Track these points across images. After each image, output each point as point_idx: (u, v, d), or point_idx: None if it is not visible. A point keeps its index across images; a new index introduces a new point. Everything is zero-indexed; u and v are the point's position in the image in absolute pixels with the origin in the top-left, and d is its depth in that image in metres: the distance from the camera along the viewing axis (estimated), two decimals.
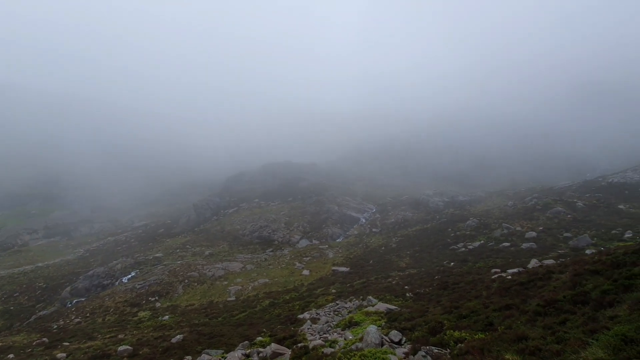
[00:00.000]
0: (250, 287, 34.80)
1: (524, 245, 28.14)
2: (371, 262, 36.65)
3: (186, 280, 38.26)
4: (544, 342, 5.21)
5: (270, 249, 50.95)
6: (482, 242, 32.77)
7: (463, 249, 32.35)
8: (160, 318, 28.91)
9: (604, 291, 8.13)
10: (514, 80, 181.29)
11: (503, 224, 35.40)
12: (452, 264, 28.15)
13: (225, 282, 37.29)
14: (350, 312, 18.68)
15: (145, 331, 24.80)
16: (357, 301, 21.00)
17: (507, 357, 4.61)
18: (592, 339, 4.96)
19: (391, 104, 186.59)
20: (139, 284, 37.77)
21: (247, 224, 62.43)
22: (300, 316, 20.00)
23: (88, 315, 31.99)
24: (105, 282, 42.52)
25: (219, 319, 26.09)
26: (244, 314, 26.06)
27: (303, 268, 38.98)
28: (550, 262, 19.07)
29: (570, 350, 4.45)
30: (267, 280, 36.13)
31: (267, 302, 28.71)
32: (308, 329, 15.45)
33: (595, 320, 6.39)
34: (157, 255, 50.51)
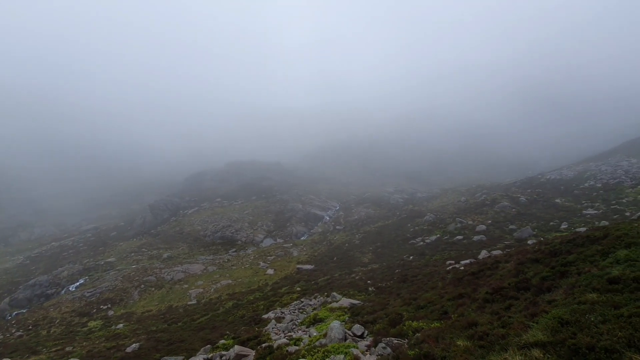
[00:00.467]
0: (212, 289, 33.77)
1: (475, 238, 30.19)
2: (335, 258, 37.21)
3: (142, 286, 36.22)
4: (491, 327, 5.69)
5: (234, 249, 49.80)
6: (438, 235, 34.62)
7: (421, 243, 33.95)
8: (113, 327, 27.12)
9: (543, 277, 9.00)
10: (467, 83, 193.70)
11: (457, 218, 37.67)
12: (411, 257, 29.44)
13: (186, 286, 35.84)
14: (314, 309, 18.85)
15: (97, 342, 23.13)
16: (321, 298, 21.23)
17: (458, 343, 4.97)
18: (533, 322, 5.48)
19: (353, 104, 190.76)
20: (88, 292, 35.09)
21: (208, 224, 60.41)
22: (265, 316, 19.82)
23: (30, 327, 29.16)
24: (49, 292, 38.95)
25: (179, 324, 25.06)
26: (205, 318, 25.25)
27: (267, 267, 38.59)
28: (497, 252, 20.68)
29: (513, 334, 4.90)
30: (231, 281, 35.30)
31: (230, 303, 28.08)
32: (273, 328, 15.36)
33: (536, 305, 7.06)
34: (109, 260, 47.22)
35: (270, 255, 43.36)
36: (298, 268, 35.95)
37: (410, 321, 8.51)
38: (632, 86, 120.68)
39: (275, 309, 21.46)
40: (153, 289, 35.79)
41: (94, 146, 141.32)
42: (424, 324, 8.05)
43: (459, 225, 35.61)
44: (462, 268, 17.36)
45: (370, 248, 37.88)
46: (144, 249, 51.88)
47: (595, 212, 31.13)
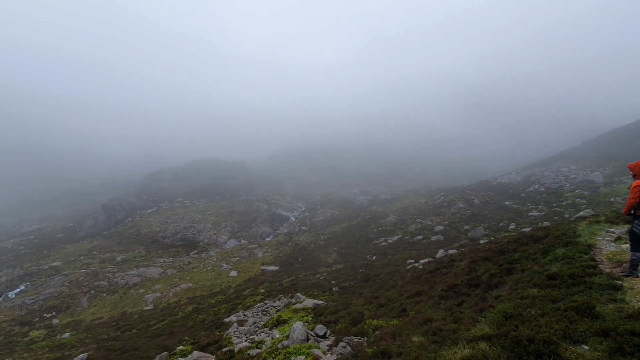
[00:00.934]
0: (171, 294, 32.29)
1: (434, 238, 31.70)
2: (300, 259, 37.19)
3: (93, 291, 33.74)
4: (444, 322, 6.03)
5: (195, 251, 47.99)
6: (400, 236, 35.88)
7: (384, 243, 34.98)
8: (58, 337, 24.96)
9: (492, 275, 9.67)
10: (423, 90, 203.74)
11: (417, 219, 39.30)
12: (374, 257, 30.22)
13: (142, 290, 33.93)
14: (278, 310, 18.70)
15: (39, 353, 21.19)
16: (285, 299, 21.11)
17: (414, 339, 5.22)
18: (481, 316, 5.88)
19: (317, 105, 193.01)
20: (30, 299, 32.03)
21: (168, 225, 57.70)
22: (227, 319, 19.32)
23: None
24: None
25: (134, 331, 23.66)
26: (163, 323, 24.08)
27: (231, 269, 37.65)
28: (453, 251, 21.87)
29: (463, 328, 5.24)
30: (191, 285, 33.97)
31: (190, 307, 27.01)
32: (234, 332, 15.02)
33: (485, 300, 7.58)
34: (54, 264, 43.40)
35: (234, 257, 42.36)
36: (263, 269, 35.48)
37: (371, 319, 8.76)
38: (571, 98, 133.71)
39: (238, 311, 20.99)
40: (105, 294, 33.47)
41: (31, 143, 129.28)
42: (384, 321, 8.32)
43: (419, 225, 37.16)
44: (421, 267, 18.14)
45: (335, 249, 38.34)
46: (95, 252, 48.38)
47: (539, 213, 33.99)
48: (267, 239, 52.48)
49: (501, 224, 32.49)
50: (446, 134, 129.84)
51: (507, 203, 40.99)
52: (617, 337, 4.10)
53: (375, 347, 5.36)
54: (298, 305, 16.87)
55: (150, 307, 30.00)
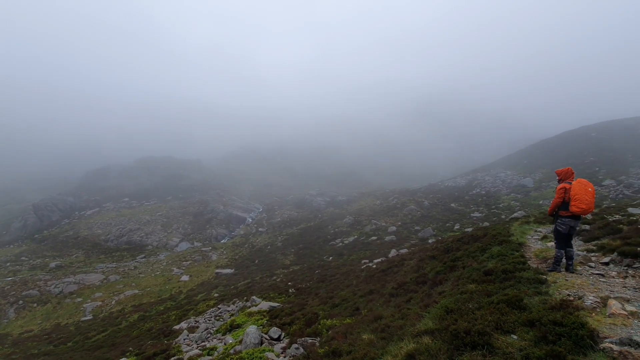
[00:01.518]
0: (113, 302, 29.93)
1: (387, 238, 33.02)
2: (257, 261, 36.57)
3: (21, 302, 30.15)
4: (393, 319, 6.34)
5: (142, 255, 44.98)
6: (355, 237, 36.84)
7: (340, 244, 35.67)
8: None
9: (437, 272, 10.32)
10: (381, 96, 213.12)
11: (372, 220, 40.66)
12: (330, 258, 30.68)
13: (79, 299, 31.03)
14: (232, 315, 18.22)
15: None
16: (240, 303, 20.63)
17: (364, 337, 5.43)
18: (426, 312, 6.26)
19: (275, 105, 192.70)
20: None
21: (112, 227, 53.44)
22: (177, 327, 18.39)
23: None
24: None
25: (69, 344, 21.54)
26: (103, 334, 22.23)
27: (182, 273, 35.88)
28: (404, 251, 22.97)
29: (409, 324, 5.54)
30: (137, 292, 31.78)
31: (135, 316, 25.27)
32: (184, 339, 14.36)
33: (430, 296, 8.07)
34: None
35: (186, 260, 40.43)
36: (217, 273, 34.31)
37: (325, 319, 8.91)
38: (509, 112, 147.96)
39: (189, 318, 20.08)
40: (35, 304, 30.08)
41: None
42: (338, 321, 8.51)
43: (373, 226, 38.45)
44: (375, 266, 18.81)
45: (293, 250, 38.27)
46: (24, 258, 43.27)
47: (480, 215, 36.97)
48: (222, 241, 50.83)
49: (447, 224, 34.79)
50: (399, 139, 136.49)
51: (453, 205, 43.99)
52: (541, 326, 4.46)
53: (327, 347, 5.48)
54: (253, 309, 16.58)
55: (89, 317, 27.54)
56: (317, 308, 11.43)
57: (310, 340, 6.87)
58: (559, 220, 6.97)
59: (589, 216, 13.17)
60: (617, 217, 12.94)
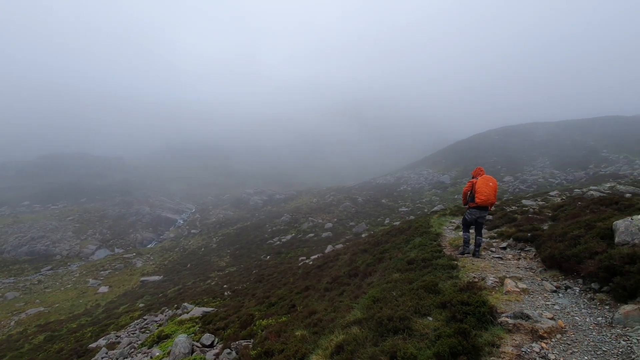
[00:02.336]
0: (12, 323, 25.50)
1: (324, 235, 33.89)
2: (189, 265, 34.48)
3: None
4: (326, 313, 6.57)
5: (49, 267, 39.06)
6: (293, 234, 37.05)
7: (278, 242, 35.53)
8: None
9: (368, 264, 10.94)
10: (317, 98, 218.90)
11: (309, 217, 41.31)
12: (268, 257, 30.39)
13: None
14: (161, 325, 16.93)
15: None
16: (170, 311, 19.24)
17: (297, 333, 5.52)
18: (355, 303, 6.58)
19: (206, 101, 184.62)
20: None
21: (9, 235, 45.39)
22: (93, 345, 16.43)
23: None
24: None
25: None
26: None
27: (100, 284, 32.10)
28: (340, 246, 23.86)
29: (340, 316, 5.80)
30: (43, 309, 27.51)
31: (41, 337, 21.90)
32: (102, 358, 12.92)
33: (360, 288, 8.52)
34: None
35: (105, 270, 36.28)
36: (142, 281, 31.48)
37: (260, 320, 8.82)
38: (431, 116, 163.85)
39: (109, 333, 18.08)
40: None
41: None
42: (273, 320, 8.50)
43: (311, 224, 39.11)
44: (311, 263, 19.18)
45: (229, 251, 36.94)
46: None
47: (407, 209, 40.16)
48: (149, 246, 46.74)
49: (379, 219, 37.06)
50: (334, 138, 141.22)
51: (383, 201, 46.98)
52: (451, 307, 4.88)
53: (259, 348, 5.45)
54: (184, 316, 15.61)
55: None
56: (253, 309, 11.24)
57: (245, 343, 6.75)
58: (467, 211, 7.95)
59: (493, 208, 15.27)
60: (514, 207, 15.23)
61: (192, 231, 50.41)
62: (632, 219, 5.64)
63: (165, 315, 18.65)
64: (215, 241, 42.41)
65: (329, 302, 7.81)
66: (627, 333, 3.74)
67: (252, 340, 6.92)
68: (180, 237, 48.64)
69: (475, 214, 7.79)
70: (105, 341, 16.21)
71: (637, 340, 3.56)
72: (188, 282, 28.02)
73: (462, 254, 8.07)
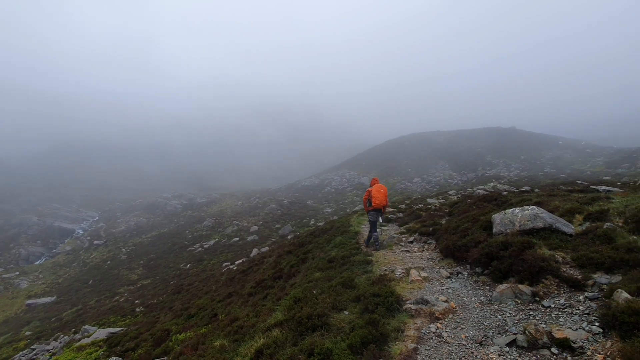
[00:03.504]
0: None
1: (249, 238, 33.11)
2: (91, 282, 30.15)
3: None
4: (248, 318, 6.48)
5: None
6: (216, 239, 35.31)
7: (200, 248, 33.46)
8: None
9: (292, 265, 11.07)
10: (243, 99, 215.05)
11: (234, 221, 39.90)
12: (188, 265, 28.40)
13: None
14: (54, 354, 14.50)
15: None
16: (66, 337, 16.60)
17: (215, 344, 5.33)
18: (277, 305, 6.62)
19: (104, 90, 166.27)
20: None
21: None
22: None
23: None
24: None
25: None
26: None
27: None
28: (265, 249, 23.63)
29: (261, 320, 5.79)
30: None
31: None
32: None
33: (284, 290, 8.59)
34: None
35: None
36: (28, 304, 26.46)
37: (177, 334, 8.23)
38: (352, 121, 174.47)
39: None
40: None
41: None
42: (192, 332, 8.02)
43: (235, 227, 37.81)
44: (235, 268, 18.59)
45: (141, 262, 33.39)
46: None
47: (331, 210, 41.78)
48: (37, 262, 39.42)
49: (304, 220, 37.75)
50: (258, 140, 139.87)
51: (309, 202, 48.04)
52: (365, 300, 5.22)
53: None
54: (85, 341, 13.65)
55: None
56: (169, 324, 10.41)
57: None
58: (368, 213, 9.47)
59: (398, 208, 16.96)
60: (420, 205, 17.16)
61: (95, 242, 44.09)
62: (505, 212, 6.90)
63: (60, 342, 16.04)
64: (125, 252, 37.89)
65: (252, 307, 7.71)
66: (502, 308, 4.56)
67: (165, 358, 6.43)
68: (79, 250, 42.09)
69: (374, 215, 9.32)
70: None
71: (510, 313, 4.38)
72: (90, 301, 24.47)
73: (374, 247, 9.10)
